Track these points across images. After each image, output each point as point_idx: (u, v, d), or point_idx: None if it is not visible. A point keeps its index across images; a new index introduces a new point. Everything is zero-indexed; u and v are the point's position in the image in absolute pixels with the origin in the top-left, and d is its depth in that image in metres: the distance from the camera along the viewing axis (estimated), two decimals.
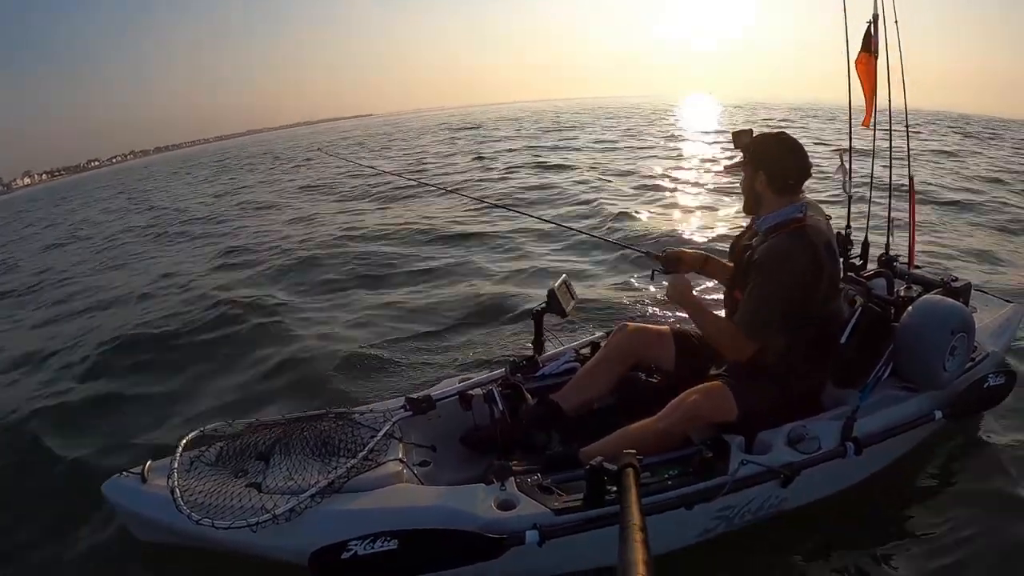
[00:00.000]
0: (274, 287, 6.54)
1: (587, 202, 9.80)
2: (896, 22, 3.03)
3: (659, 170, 13.22)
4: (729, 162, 2.42)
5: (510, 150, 19.83)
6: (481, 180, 13.71)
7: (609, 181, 12.00)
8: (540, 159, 16.31)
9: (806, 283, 2.15)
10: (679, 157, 15.87)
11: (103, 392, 4.39)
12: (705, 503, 2.02)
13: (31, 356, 5.37)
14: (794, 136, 2.31)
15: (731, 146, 2.42)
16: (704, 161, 14.56)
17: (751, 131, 2.37)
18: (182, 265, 8.34)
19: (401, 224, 9.04)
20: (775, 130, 2.35)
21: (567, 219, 8.43)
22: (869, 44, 3.06)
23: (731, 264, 2.53)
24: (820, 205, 2.38)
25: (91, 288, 7.87)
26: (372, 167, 14.31)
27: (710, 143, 18.79)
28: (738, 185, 2.42)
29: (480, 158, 18.16)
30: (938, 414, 2.43)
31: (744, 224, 2.54)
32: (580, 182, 12.10)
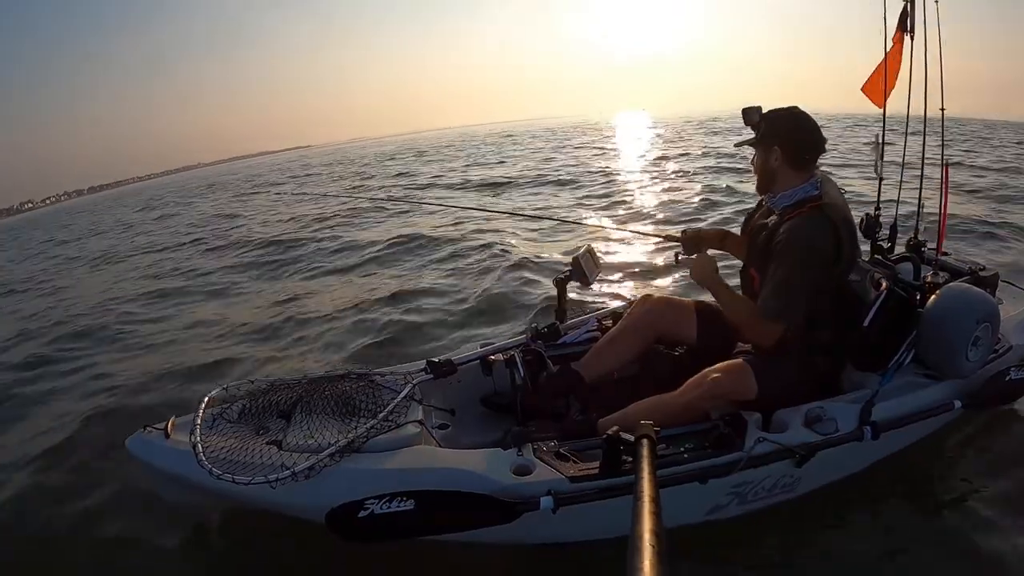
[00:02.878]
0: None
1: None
2: (936, 1, 2.96)
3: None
4: (739, 139, 2.37)
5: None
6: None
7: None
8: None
9: (825, 260, 2.13)
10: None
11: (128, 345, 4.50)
12: (719, 478, 2.03)
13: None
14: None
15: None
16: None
17: (760, 108, 2.31)
18: None
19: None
20: (787, 106, 2.29)
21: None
22: (905, 22, 2.99)
23: (745, 239, 2.51)
24: (840, 182, 2.35)
25: None
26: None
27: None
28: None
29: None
30: (957, 404, 2.40)
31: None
32: None
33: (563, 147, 27.13)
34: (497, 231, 7.24)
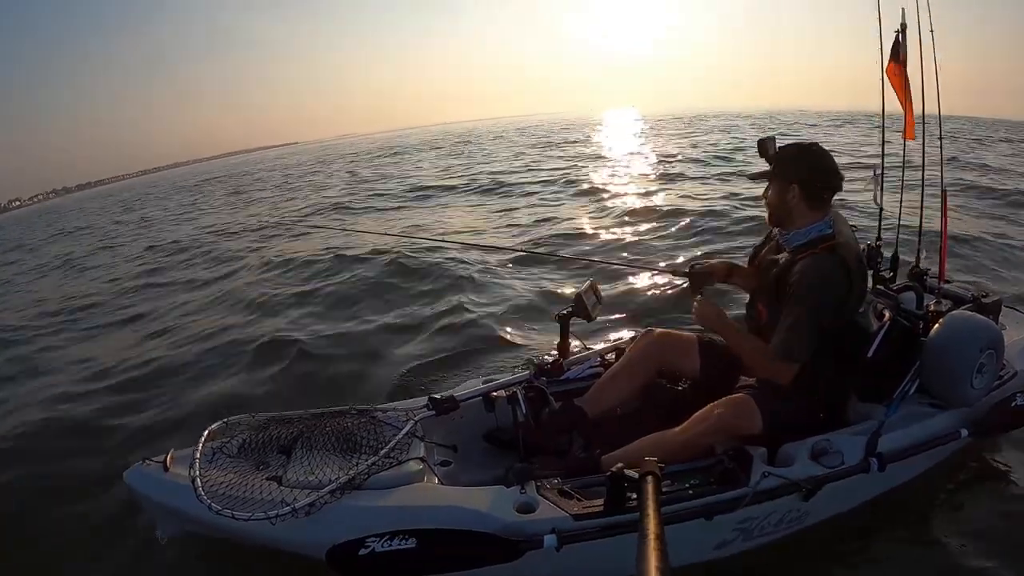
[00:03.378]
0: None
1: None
2: (932, 31, 3.00)
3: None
4: (756, 171, 2.36)
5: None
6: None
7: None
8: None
9: (837, 299, 2.13)
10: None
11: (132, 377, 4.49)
12: (725, 514, 2.01)
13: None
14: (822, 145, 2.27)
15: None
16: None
17: (774, 139, 2.29)
18: None
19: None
20: (805, 141, 2.29)
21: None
22: (898, 53, 3.02)
23: (753, 271, 2.50)
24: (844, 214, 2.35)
25: None
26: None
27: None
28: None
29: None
30: (964, 432, 2.38)
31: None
32: None
33: (538, 145, 27.78)
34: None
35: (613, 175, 14.85)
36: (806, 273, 2.13)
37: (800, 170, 2.21)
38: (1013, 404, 2.51)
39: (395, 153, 34.62)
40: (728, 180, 12.25)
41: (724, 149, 18.47)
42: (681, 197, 10.54)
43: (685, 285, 2.60)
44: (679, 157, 17.74)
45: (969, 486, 2.68)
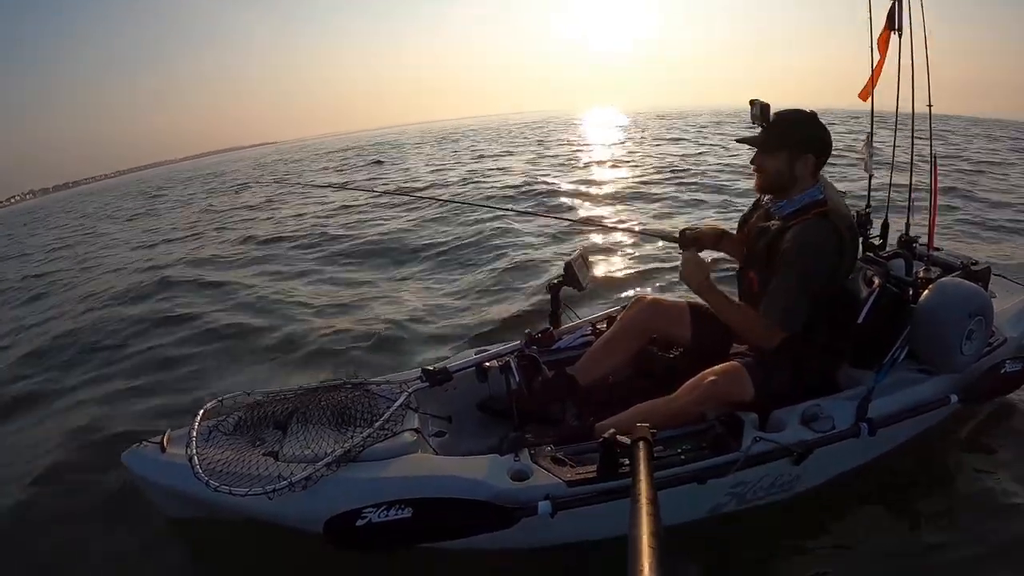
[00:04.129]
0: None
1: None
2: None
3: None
4: (749, 135, 2.28)
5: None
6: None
7: None
8: None
9: (829, 265, 2.13)
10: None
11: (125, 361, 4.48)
12: (717, 479, 2.03)
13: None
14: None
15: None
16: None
17: (769, 105, 2.23)
18: None
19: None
20: (804, 108, 2.23)
21: None
22: (893, 21, 3.01)
23: (742, 239, 2.49)
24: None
25: None
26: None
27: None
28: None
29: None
30: (954, 398, 2.41)
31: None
32: None
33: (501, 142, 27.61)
34: None
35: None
36: (798, 239, 2.12)
37: (816, 140, 2.18)
38: (1002, 371, 2.53)
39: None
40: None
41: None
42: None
43: (676, 251, 2.57)
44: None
45: (958, 452, 2.71)
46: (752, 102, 2.25)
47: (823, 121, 2.22)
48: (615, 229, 3.90)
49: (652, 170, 13.25)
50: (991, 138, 20.98)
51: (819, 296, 2.15)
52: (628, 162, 15.33)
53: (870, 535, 2.26)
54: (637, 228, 3.56)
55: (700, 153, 16.87)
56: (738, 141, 2.41)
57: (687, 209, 7.98)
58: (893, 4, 3.00)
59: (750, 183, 2.45)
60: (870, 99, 3.22)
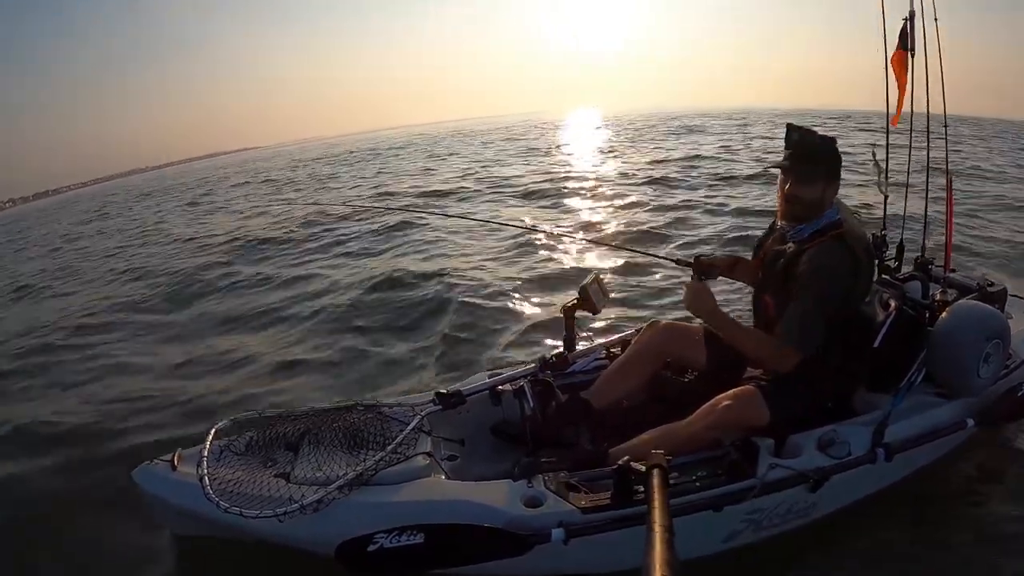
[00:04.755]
0: None
1: None
2: (936, 20, 2.98)
3: None
4: (783, 163, 2.23)
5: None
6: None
7: None
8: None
9: (845, 287, 2.12)
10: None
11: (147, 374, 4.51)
12: (733, 505, 2.01)
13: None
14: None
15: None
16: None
17: (811, 131, 2.20)
18: None
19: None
20: (822, 133, 2.21)
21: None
22: (906, 41, 3.00)
23: (757, 264, 2.48)
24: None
25: None
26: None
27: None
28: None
29: None
30: (970, 422, 2.38)
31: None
32: None
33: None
34: None
35: None
36: (814, 261, 2.11)
37: (839, 166, 2.19)
38: (1020, 393, 2.51)
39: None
40: None
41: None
42: None
43: (689, 277, 2.55)
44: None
45: (976, 477, 2.67)
46: (790, 128, 2.22)
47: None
48: (629, 251, 3.84)
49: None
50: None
51: (834, 319, 2.13)
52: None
53: (885, 562, 2.24)
54: (651, 253, 3.52)
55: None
56: (772, 166, 2.36)
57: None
58: (904, 24, 3.00)
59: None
60: (886, 120, 3.21)
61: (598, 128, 36.62)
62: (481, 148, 27.58)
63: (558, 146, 24.84)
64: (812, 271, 2.11)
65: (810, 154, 2.17)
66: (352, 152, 38.24)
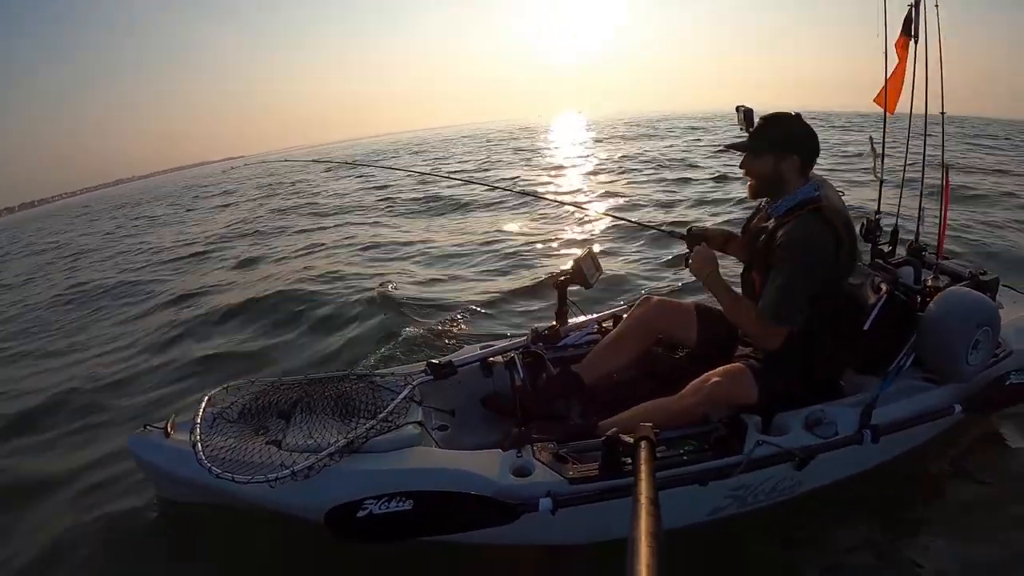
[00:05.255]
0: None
1: None
2: (936, 6, 2.96)
3: None
4: (734, 141, 2.30)
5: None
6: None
7: None
8: None
9: (827, 263, 2.12)
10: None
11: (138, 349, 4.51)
12: (719, 480, 2.03)
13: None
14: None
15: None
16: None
17: (752, 110, 2.28)
18: None
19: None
20: (788, 111, 2.25)
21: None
22: (910, 28, 2.98)
23: (746, 242, 2.48)
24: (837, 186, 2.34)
25: None
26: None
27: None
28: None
29: None
30: (957, 408, 2.39)
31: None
32: None
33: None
34: None
35: None
36: (789, 234, 2.13)
37: (799, 140, 2.20)
38: (1007, 382, 2.52)
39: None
40: None
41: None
42: None
43: (687, 252, 2.56)
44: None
45: (960, 462, 2.69)
46: (737, 108, 2.31)
47: (806, 121, 2.23)
48: (620, 220, 3.81)
49: None
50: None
51: (821, 295, 2.14)
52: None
53: (868, 542, 2.26)
54: (643, 222, 3.49)
55: None
56: (726, 147, 2.41)
57: None
58: (909, 10, 2.98)
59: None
60: (884, 106, 3.19)
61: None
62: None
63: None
64: (787, 243, 2.12)
65: (757, 130, 2.24)
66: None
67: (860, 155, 12.84)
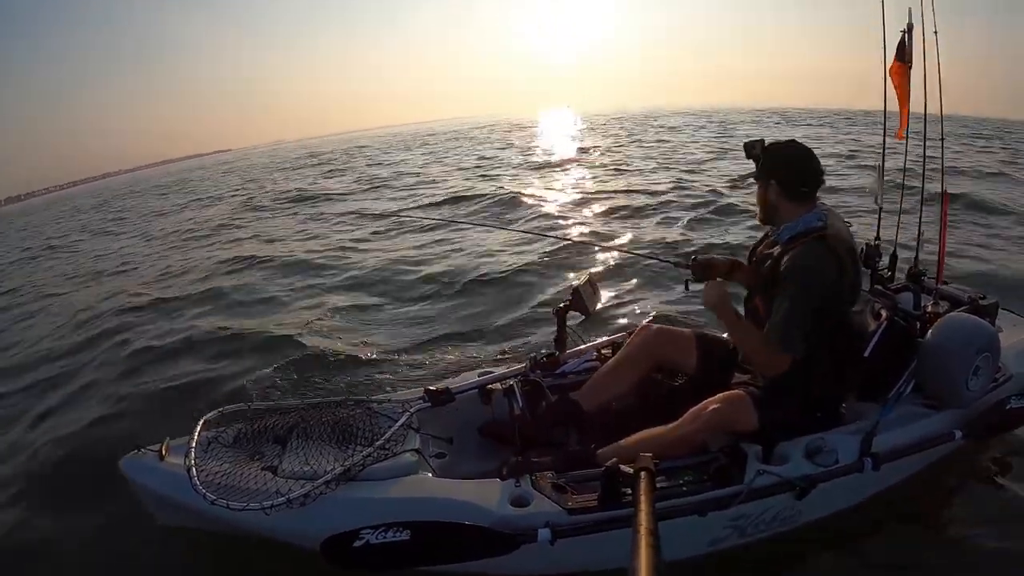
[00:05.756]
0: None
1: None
2: (936, 32, 2.98)
3: None
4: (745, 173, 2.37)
5: None
6: None
7: None
8: None
9: (825, 286, 2.11)
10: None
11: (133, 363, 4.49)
12: (719, 511, 2.02)
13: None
14: (804, 143, 2.29)
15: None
16: None
17: (761, 141, 2.31)
18: None
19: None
20: (784, 139, 2.32)
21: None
22: (903, 54, 3.00)
23: (753, 268, 2.48)
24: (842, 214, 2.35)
25: None
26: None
27: None
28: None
29: None
30: (958, 434, 2.38)
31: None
32: None
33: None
34: None
35: None
36: (792, 261, 2.14)
37: (776, 166, 2.24)
38: (1008, 407, 2.52)
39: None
40: None
41: None
42: None
43: (688, 277, 2.54)
44: None
45: (961, 489, 2.68)
46: (745, 144, 2.33)
47: (803, 149, 2.26)
48: (624, 251, 3.77)
49: None
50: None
51: (823, 323, 2.14)
52: None
53: (868, 570, 2.25)
54: (650, 255, 3.48)
55: None
56: (752, 177, 2.43)
57: None
58: (903, 37, 3.00)
59: None
60: (883, 132, 3.21)
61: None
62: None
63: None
64: (790, 270, 2.14)
65: (751, 158, 2.31)
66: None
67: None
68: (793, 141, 2.28)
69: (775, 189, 2.22)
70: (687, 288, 2.52)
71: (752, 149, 2.29)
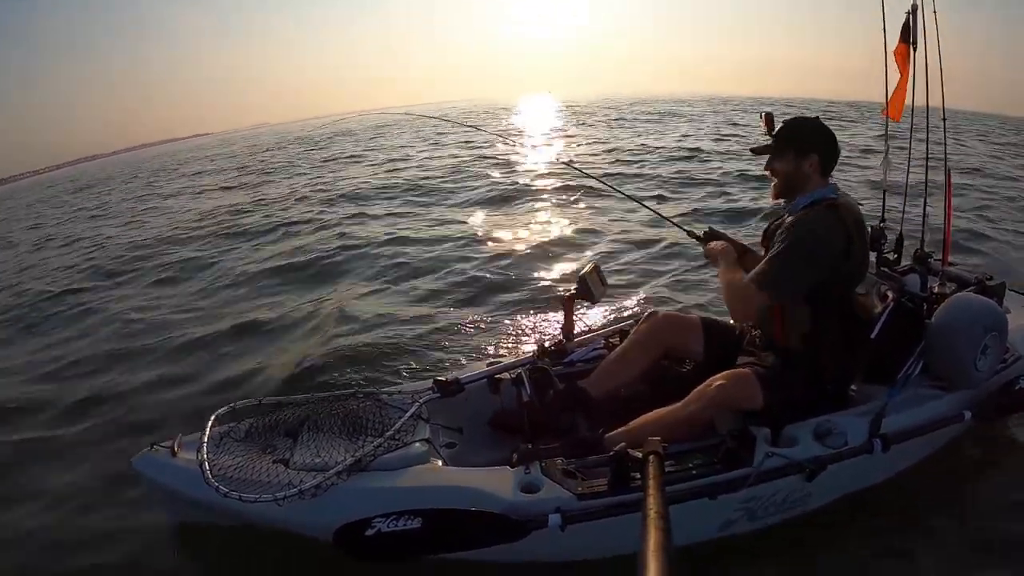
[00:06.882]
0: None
1: None
2: (935, 12, 2.97)
3: None
4: (757, 145, 2.37)
5: None
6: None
7: None
8: None
9: (832, 254, 2.10)
10: None
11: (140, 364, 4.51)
12: (729, 494, 2.02)
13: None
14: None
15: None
16: None
17: (772, 114, 2.33)
18: None
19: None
20: (806, 115, 2.33)
21: None
22: (908, 35, 2.99)
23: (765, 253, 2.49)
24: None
25: None
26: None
27: None
28: None
29: None
30: (967, 414, 2.38)
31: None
32: None
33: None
34: None
35: None
36: (798, 221, 2.17)
37: (819, 140, 2.24)
38: (1017, 387, 2.51)
39: None
40: None
41: None
42: None
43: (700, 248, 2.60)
44: None
45: (971, 470, 2.68)
46: (760, 115, 2.36)
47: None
48: (642, 205, 3.67)
49: None
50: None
51: (831, 295, 2.16)
52: None
53: (878, 552, 2.25)
54: (665, 214, 3.45)
55: None
56: (752, 151, 2.43)
57: None
58: (907, 18, 2.99)
59: None
60: (886, 115, 3.20)
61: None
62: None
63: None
64: (792, 226, 2.16)
65: (780, 132, 2.29)
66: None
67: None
68: (817, 117, 2.30)
69: (814, 163, 2.23)
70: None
71: (772, 122, 2.31)
